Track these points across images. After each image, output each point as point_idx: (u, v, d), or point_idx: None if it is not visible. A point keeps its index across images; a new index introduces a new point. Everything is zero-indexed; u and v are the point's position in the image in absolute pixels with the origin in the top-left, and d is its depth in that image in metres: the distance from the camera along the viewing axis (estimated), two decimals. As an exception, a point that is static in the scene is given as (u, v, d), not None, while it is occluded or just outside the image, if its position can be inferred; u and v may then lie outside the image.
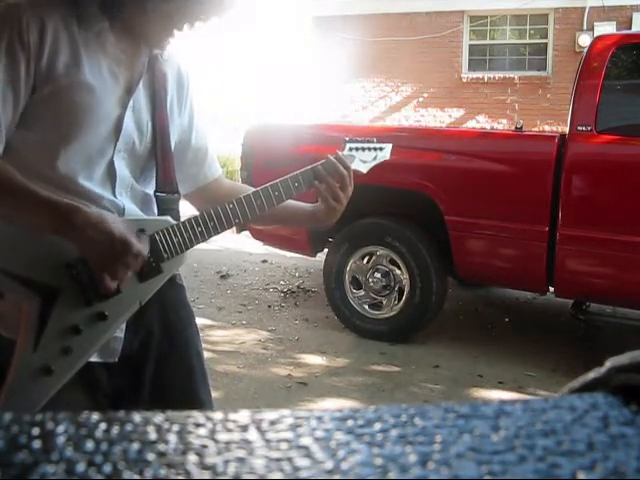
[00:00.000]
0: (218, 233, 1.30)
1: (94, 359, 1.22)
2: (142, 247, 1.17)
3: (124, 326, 1.25)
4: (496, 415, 0.28)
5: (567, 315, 3.82)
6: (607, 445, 0.26)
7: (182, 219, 1.29)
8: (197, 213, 1.30)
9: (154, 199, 1.31)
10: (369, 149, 1.55)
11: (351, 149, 1.52)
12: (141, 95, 1.27)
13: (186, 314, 1.43)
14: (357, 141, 1.53)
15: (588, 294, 3.54)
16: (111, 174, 1.23)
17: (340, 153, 1.46)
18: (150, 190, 1.31)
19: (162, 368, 1.33)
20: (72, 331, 1.15)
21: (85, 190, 1.19)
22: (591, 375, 0.32)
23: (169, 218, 1.27)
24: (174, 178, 1.33)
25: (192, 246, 1.27)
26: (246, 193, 1.34)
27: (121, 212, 1.23)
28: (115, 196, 1.23)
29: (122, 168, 1.25)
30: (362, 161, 1.54)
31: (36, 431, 0.26)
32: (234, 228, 4.37)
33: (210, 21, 1.22)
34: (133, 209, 1.26)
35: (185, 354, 1.39)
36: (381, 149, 1.57)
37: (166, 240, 1.24)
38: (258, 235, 4.41)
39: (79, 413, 0.27)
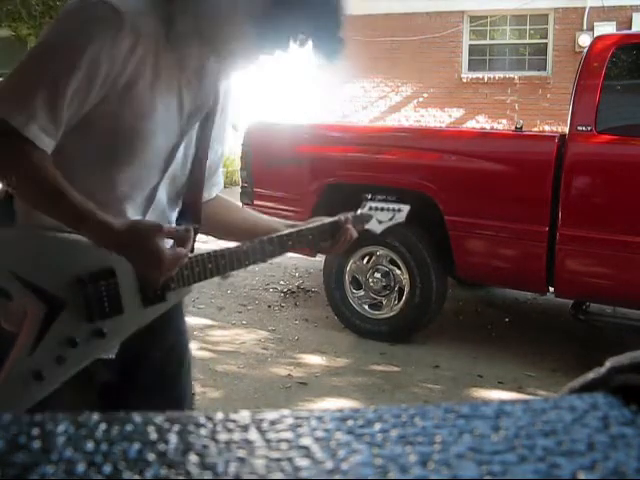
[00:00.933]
0: (226, 272, 1.30)
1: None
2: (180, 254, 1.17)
3: None
4: (496, 415, 0.28)
5: (567, 315, 3.82)
6: (607, 445, 0.26)
7: (195, 253, 1.28)
8: (210, 250, 1.29)
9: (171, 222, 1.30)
10: (387, 209, 1.60)
11: (371, 208, 1.56)
12: (196, 122, 1.26)
13: (176, 312, 1.43)
14: (378, 200, 1.58)
15: (588, 294, 3.54)
16: (149, 200, 1.23)
17: (359, 212, 1.50)
18: (173, 217, 1.31)
19: (159, 363, 1.36)
20: (69, 343, 1.16)
21: (119, 210, 1.18)
22: (591, 375, 0.32)
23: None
24: (199, 209, 1.32)
25: (199, 281, 1.28)
26: (260, 237, 1.34)
27: None
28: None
29: (162, 195, 1.25)
30: (379, 221, 1.59)
31: (36, 431, 0.26)
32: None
33: (308, 41, 1.17)
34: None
35: (177, 351, 1.43)
36: (399, 210, 1.63)
37: (178, 271, 1.23)
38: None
39: (79, 413, 0.27)
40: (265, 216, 1.48)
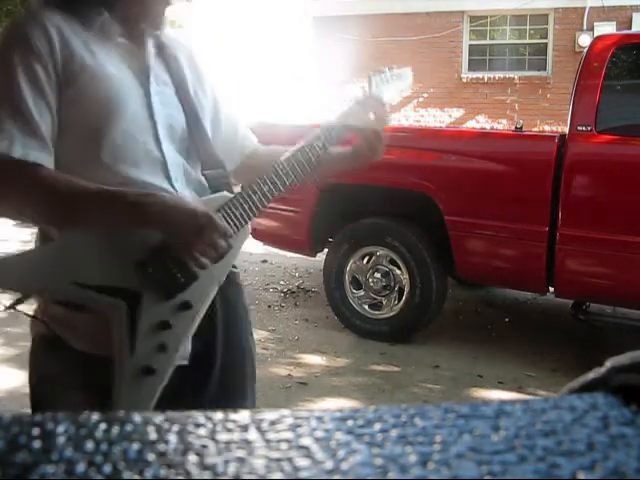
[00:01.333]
0: (274, 195, 1.28)
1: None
2: (226, 225, 1.17)
3: (193, 330, 1.24)
4: (496, 415, 0.28)
5: (567, 315, 3.82)
6: (607, 445, 0.26)
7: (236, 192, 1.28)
8: (250, 183, 1.28)
9: (205, 181, 1.30)
10: (393, 80, 1.52)
11: (378, 85, 1.48)
12: (162, 81, 1.27)
13: (244, 314, 1.41)
14: (381, 72, 1.50)
15: (588, 294, 3.54)
16: (163, 163, 1.22)
17: (366, 91, 1.45)
18: (199, 173, 1.30)
19: (225, 373, 1.33)
20: (163, 327, 1.15)
21: (140, 183, 1.17)
22: (591, 375, 0.32)
23: (225, 193, 1.27)
24: (216, 154, 1.32)
25: (254, 215, 1.26)
26: (290, 151, 1.32)
27: None
28: (172, 185, 1.22)
29: (172, 154, 1.24)
30: (390, 92, 1.51)
31: (36, 431, 0.26)
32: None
33: None
34: (190, 195, 1.25)
35: (243, 361, 1.38)
36: (406, 79, 1.55)
37: (229, 215, 1.23)
38: (258, 235, 4.41)
39: (79, 413, 0.27)
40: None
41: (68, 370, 1.16)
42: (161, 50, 1.29)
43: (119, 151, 1.17)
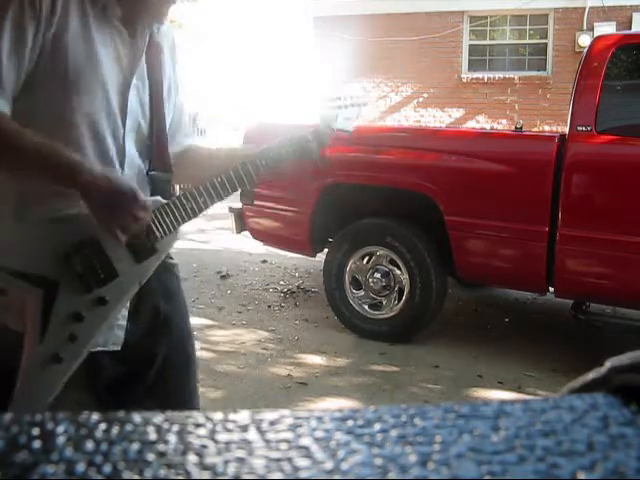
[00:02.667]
0: (208, 207, 1.31)
1: (99, 348, 1.23)
2: (148, 200, 1.18)
3: (126, 313, 1.27)
4: (496, 415, 0.28)
5: (567, 315, 3.82)
6: (607, 445, 0.26)
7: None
8: (186, 190, 1.30)
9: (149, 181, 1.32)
10: (347, 106, 1.49)
11: (333, 108, 1.47)
12: (142, 76, 1.28)
13: (181, 301, 1.45)
14: (338, 98, 1.47)
15: (588, 294, 3.54)
16: (120, 154, 1.24)
17: (321, 116, 1.44)
18: (144, 171, 1.32)
19: (167, 360, 1.36)
20: (75, 318, 1.17)
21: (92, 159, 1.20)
22: (591, 375, 0.32)
23: (159, 198, 1.29)
24: (168, 156, 1.34)
25: (184, 223, 1.29)
26: (233, 165, 1.33)
27: None
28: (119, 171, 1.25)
29: (131, 149, 1.26)
30: (346, 119, 1.48)
31: (36, 431, 0.26)
32: (234, 228, 4.36)
33: None
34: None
35: (184, 348, 1.43)
36: (364, 104, 1.53)
37: (159, 220, 1.25)
38: (258, 235, 4.41)
39: (79, 413, 0.27)
40: (240, 146, 1.46)
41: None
42: (150, 42, 1.31)
43: (86, 132, 1.19)
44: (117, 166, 1.24)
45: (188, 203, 1.28)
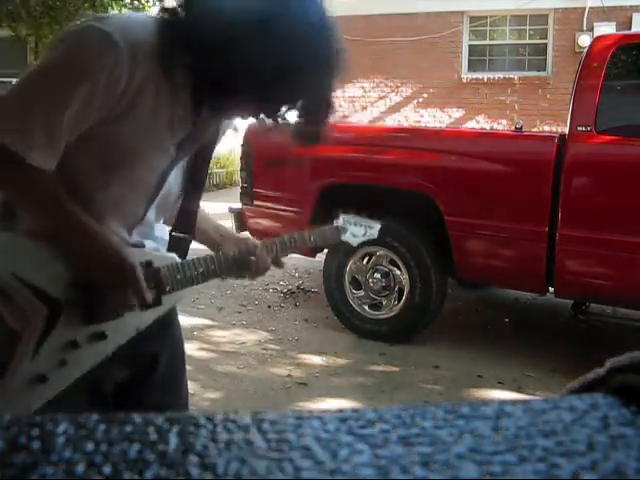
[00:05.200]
0: (216, 277, 1.36)
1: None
2: (146, 288, 1.19)
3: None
4: (496, 416, 0.28)
5: (567, 315, 3.82)
6: (607, 445, 0.26)
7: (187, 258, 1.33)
8: (203, 255, 1.34)
9: (154, 228, 1.32)
10: (360, 225, 1.71)
11: (345, 221, 1.68)
12: (191, 149, 1.28)
13: (179, 332, 1.48)
14: (351, 215, 1.71)
15: (588, 294, 3.53)
16: (136, 220, 1.25)
17: (330, 226, 1.63)
18: (155, 218, 1.33)
19: (169, 363, 1.40)
20: (71, 345, 1.17)
21: (104, 226, 1.20)
22: (591, 376, 0.32)
23: (175, 256, 1.31)
24: (194, 221, 1.36)
25: (192, 285, 1.32)
26: (253, 244, 1.41)
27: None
28: (130, 235, 1.26)
29: (151, 214, 1.28)
30: (353, 235, 1.70)
31: (36, 432, 0.26)
32: (234, 228, 4.37)
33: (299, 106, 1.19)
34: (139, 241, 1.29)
35: (182, 349, 1.47)
36: (371, 227, 1.73)
37: (171, 275, 1.27)
38: (258, 235, 4.41)
39: (79, 414, 0.27)
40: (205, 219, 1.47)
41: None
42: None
43: (113, 199, 1.19)
44: (128, 227, 1.25)
45: (200, 268, 1.31)
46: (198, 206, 1.36)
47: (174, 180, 1.27)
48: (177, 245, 1.33)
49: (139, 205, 1.23)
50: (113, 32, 1.06)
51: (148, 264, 1.22)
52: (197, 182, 1.34)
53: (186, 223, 1.34)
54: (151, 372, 1.36)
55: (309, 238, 1.57)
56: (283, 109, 1.17)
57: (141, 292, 1.17)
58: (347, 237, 1.68)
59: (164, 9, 1.12)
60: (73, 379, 1.18)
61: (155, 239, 1.32)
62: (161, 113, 1.16)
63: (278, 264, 1.45)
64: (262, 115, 1.19)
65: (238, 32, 1.03)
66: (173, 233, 1.34)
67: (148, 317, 1.27)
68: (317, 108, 1.18)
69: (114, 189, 1.18)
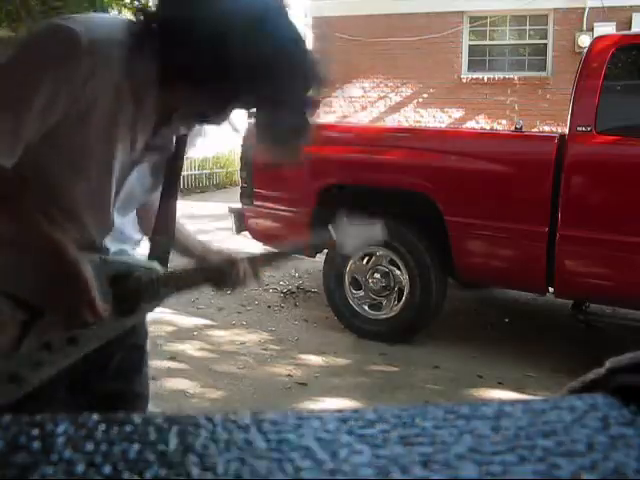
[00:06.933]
0: (193, 289, 1.38)
1: None
2: (101, 303, 1.17)
3: None
4: (496, 416, 0.28)
5: (567, 315, 3.82)
6: (607, 446, 0.26)
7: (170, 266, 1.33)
8: (185, 265, 1.35)
9: (123, 232, 1.31)
10: (357, 232, 1.55)
11: (336, 232, 1.52)
12: (158, 149, 1.27)
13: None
14: (344, 223, 1.53)
15: (588, 294, 3.54)
16: (106, 222, 1.24)
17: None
18: (129, 224, 1.32)
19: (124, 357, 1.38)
20: (45, 348, 1.18)
21: (79, 227, 1.20)
22: (591, 376, 0.32)
23: (156, 264, 1.30)
24: (173, 223, 1.35)
25: (171, 295, 1.32)
26: (239, 257, 1.40)
27: (104, 253, 1.25)
28: (102, 240, 1.25)
29: (117, 219, 1.26)
30: (351, 244, 1.54)
31: (36, 432, 0.26)
32: (234, 228, 4.37)
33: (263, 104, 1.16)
34: (115, 248, 1.28)
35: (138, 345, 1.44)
36: (372, 230, 1.58)
37: (148, 284, 1.27)
38: (258, 236, 4.41)
39: (79, 414, 0.27)
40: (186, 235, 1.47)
41: None
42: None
43: (77, 195, 1.18)
44: (99, 233, 1.24)
45: (180, 279, 1.32)
46: (175, 209, 1.35)
47: (136, 181, 1.25)
48: (157, 249, 1.33)
49: (105, 206, 1.22)
50: (77, 29, 1.07)
51: (116, 277, 1.23)
52: (172, 186, 1.33)
53: (164, 226, 1.34)
54: (105, 363, 1.35)
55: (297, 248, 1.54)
56: (248, 108, 1.17)
57: (94, 307, 1.15)
58: (345, 249, 1.55)
59: (140, 9, 1.14)
60: (44, 379, 1.19)
61: (125, 240, 1.31)
62: (124, 112, 1.15)
63: (257, 278, 1.44)
64: (224, 115, 1.18)
65: (209, 26, 1.04)
66: (152, 237, 1.34)
67: (121, 325, 1.27)
68: (288, 112, 1.15)
69: (80, 187, 1.17)
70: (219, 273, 1.38)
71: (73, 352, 1.22)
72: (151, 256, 1.32)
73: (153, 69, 1.13)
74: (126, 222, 1.31)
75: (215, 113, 1.18)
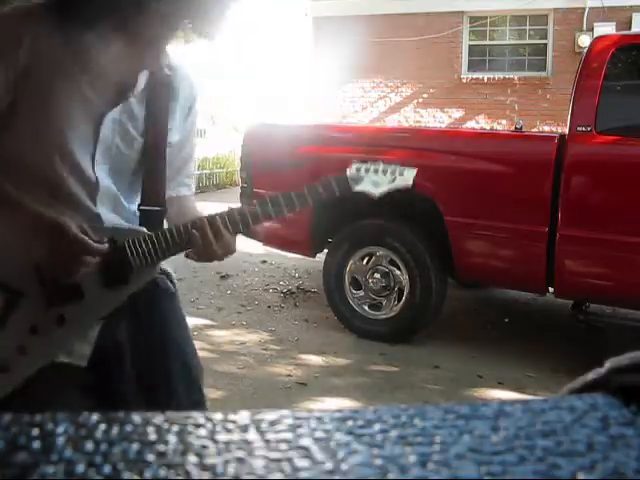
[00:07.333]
0: (189, 249, 1.28)
1: (64, 359, 1.21)
2: (94, 244, 1.17)
3: (95, 333, 1.23)
4: (496, 416, 0.28)
5: (567, 315, 3.82)
6: (607, 446, 0.26)
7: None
8: (170, 226, 1.29)
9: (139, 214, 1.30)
10: (385, 172, 1.41)
11: (358, 169, 1.40)
12: (135, 110, 1.26)
13: (163, 316, 1.38)
14: (370, 163, 1.40)
15: (588, 294, 3.54)
16: (91, 184, 1.23)
17: (334, 177, 1.41)
18: (133, 207, 1.31)
19: (141, 371, 1.31)
20: (30, 331, 1.16)
21: (68, 195, 1.20)
22: (591, 376, 0.32)
23: (143, 229, 1.26)
24: (162, 193, 1.32)
25: (163, 259, 1.26)
26: (228, 210, 1.34)
27: (97, 220, 1.23)
28: (95, 205, 1.23)
29: (105, 180, 1.24)
30: (374, 183, 1.40)
31: (36, 431, 0.26)
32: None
33: (201, 28, 1.20)
34: (112, 220, 1.26)
35: (161, 354, 1.35)
36: (401, 174, 1.42)
37: (136, 250, 1.22)
38: (258, 236, 4.41)
39: (79, 414, 0.27)
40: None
41: None
42: (154, 80, 1.28)
43: (55, 162, 1.18)
44: (89, 196, 1.23)
45: (172, 239, 1.25)
46: (164, 179, 1.32)
47: (111, 132, 1.23)
48: (149, 220, 1.29)
49: (86, 160, 1.21)
50: (6, 10, 1.14)
51: (110, 241, 1.20)
52: (156, 155, 1.30)
53: (153, 196, 1.31)
54: (117, 363, 1.28)
55: (298, 199, 1.43)
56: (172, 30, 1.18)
57: (85, 246, 1.15)
58: (364, 186, 1.38)
59: None
60: (35, 367, 1.16)
61: (123, 211, 1.29)
62: (64, 63, 1.17)
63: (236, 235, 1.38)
64: (156, 37, 1.18)
65: None
66: (141, 207, 1.30)
67: (113, 300, 1.23)
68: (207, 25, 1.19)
69: (53, 155, 1.17)
70: (197, 235, 1.29)
71: (62, 333, 1.19)
72: (143, 226, 1.29)
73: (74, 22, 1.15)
74: (122, 189, 1.29)
75: (152, 38, 1.19)
